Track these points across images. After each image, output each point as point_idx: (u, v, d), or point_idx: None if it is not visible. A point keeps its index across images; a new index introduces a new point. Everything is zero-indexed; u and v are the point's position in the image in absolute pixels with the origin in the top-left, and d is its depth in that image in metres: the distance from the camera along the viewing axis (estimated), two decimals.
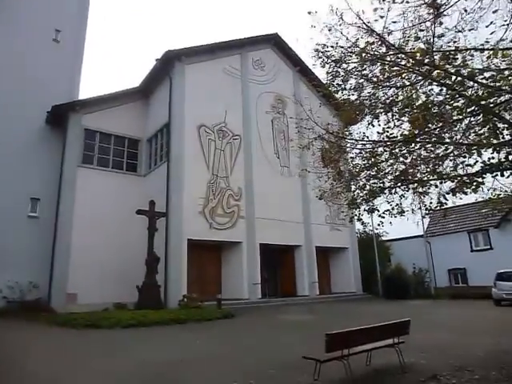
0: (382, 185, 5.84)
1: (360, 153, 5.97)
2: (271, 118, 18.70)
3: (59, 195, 15.40)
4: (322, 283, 18.35)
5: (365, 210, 6.24)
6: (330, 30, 5.42)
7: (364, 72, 5.54)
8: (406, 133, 5.38)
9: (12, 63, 16.12)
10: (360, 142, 5.85)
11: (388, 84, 5.27)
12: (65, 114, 15.91)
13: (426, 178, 5.44)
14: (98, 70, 66.65)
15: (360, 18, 5.31)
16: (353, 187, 6.27)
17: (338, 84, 6.06)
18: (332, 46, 5.73)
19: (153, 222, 12.53)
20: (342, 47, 5.85)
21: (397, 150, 5.55)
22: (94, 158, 16.36)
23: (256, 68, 18.80)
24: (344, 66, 6.12)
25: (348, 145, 6.16)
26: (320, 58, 6.05)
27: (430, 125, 5.07)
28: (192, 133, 15.69)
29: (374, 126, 5.90)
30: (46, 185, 15.76)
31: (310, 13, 5.48)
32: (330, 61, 6.00)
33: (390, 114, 5.45)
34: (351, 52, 5.51)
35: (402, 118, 5.37)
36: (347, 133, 6.26)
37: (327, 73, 6.29)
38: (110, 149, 16.89)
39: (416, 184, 5.58)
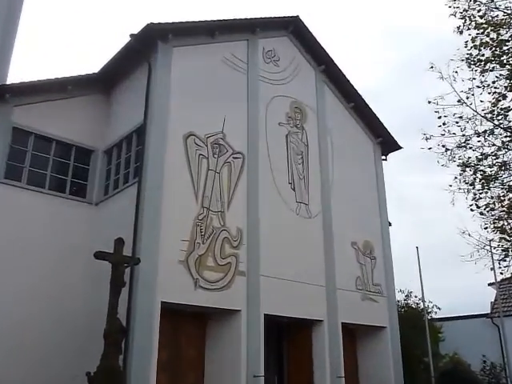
0: None
1: None
2: (286, 132, 18.15)
3: None
4: (348, 376, 17.18)
5: None
6: None
7: None
8: None
9: None
10: None
11: None
12: None
13: None
14: (41, 48, 64.26)
15: None
16: None
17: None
18: None
19: (119, 271, 11.08)
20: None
21: None
22: (24, 172, 15.09)
23: (268, 61, 18.47)
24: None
25: None
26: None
27: None
28: (176, 144, 14.75)
29: None
30: None
31: None
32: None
33: None
34: None
35: None
36: None
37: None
38: (49, 160, 15.72)
39: None
